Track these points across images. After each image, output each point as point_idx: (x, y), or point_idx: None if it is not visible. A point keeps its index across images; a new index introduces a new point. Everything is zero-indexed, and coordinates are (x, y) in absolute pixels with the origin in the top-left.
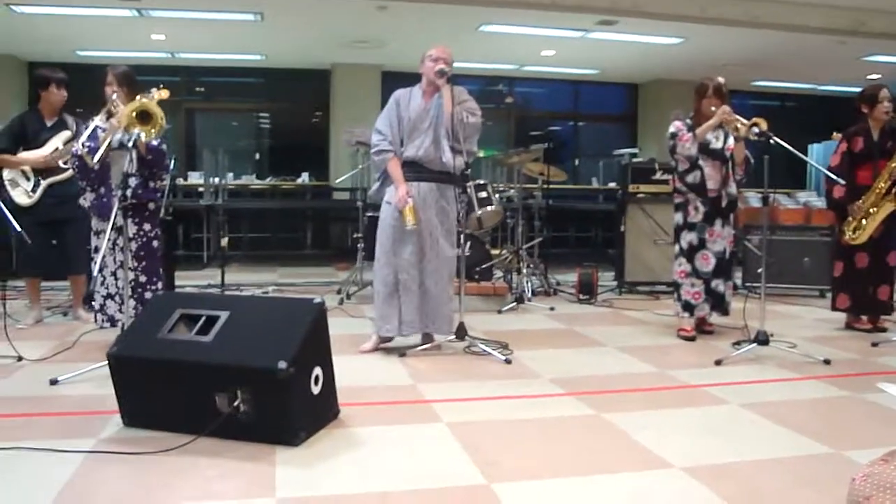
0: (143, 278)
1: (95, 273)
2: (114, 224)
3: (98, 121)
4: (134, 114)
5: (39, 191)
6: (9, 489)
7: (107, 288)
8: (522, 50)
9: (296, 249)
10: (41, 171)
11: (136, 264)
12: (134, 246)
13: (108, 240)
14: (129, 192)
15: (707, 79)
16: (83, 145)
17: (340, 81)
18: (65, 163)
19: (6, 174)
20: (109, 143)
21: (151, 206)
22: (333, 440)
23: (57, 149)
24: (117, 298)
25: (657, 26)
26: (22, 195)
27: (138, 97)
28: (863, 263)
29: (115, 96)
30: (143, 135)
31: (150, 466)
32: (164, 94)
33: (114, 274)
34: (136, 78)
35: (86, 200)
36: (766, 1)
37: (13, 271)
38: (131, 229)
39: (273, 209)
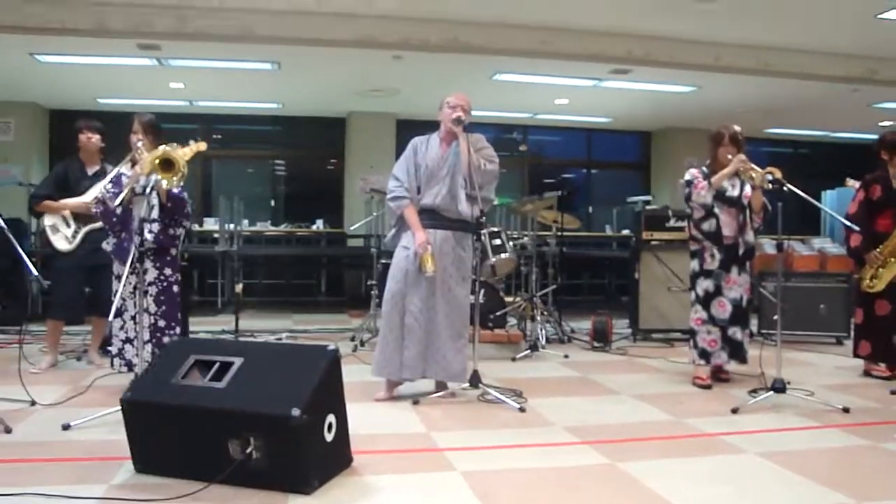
0: (161, 323)
1: (111, 318)
2: (134, 268)
3: (123, 168)
4: (157, 161)
5: (79, 237)
6: None
7: (126, 332)
8: (536, 98)
9: (310, 296)
10: (81, 218)
11: (155, 309)
12: (154, 290)
13: (126, 284)
14: (150, 237)
15: (723, 127)
16: (106, 190)
17: (355, 129)
18: None
19: (48, 220)
20: (132, 189)
21: (173, 251)
22: (346, 489)
23: (96, 197)
24: (136, 343)
25: (670, 75)
26: (62, 241)
27: (163, 146)
28: (883, 311)
29: (139, 143)
30: (164, 182)
31: None
32: (202, 146)
33: (133, 318)
34: (160, 126)
35: (108, 245)
36: (779, 49)
37: (28, 316)
38: (152, 274)
39: (288, 256)
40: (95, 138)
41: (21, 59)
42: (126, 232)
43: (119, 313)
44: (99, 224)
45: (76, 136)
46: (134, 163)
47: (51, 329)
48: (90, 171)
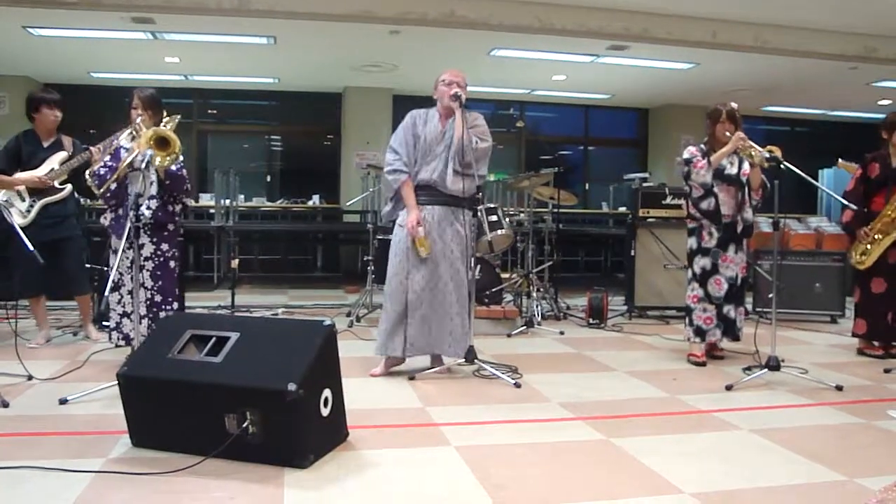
0: (158, 298)
1: (107, 293)
2: (130, 243)
3: (123, 141)
4: (152, 140)
5: (34, 211)
6: None
7: (123, 306)
8: (533, 74)
9: (306, 272)
10: (36, 191)
11: (151, 284)
12: (150, 265)
13: (122, 258)
14: (148, 213)
15: (720, 104)
16: (104, 163)
17: (352, 104)
18: (60, 183)
19: (1, 195)
20: (119, 171)
21: (171, 226)
22: (342, 463)
23: (52, 169)
24: (133, 317)
25: (668, 52)
26: (17, 215)
27: (156, 127)
28: (879, 289)
29: (139, 119)
30: (158, 159)
31: (158, 487)
32: (174, 119)
33: (130, 293)
34: (161, 101)
35: (105, 220)
36: (777, 27)
37: (23, 292)
38: (148, 249)
39: (283, 231)
40: (58, 115)
41: (14, 32)
42: (123, 207)
43: (116, 287)
44: (56, 196)
45: (35, 108)
46: (133, 138)
47: (32, 305)
48: (45, 144)
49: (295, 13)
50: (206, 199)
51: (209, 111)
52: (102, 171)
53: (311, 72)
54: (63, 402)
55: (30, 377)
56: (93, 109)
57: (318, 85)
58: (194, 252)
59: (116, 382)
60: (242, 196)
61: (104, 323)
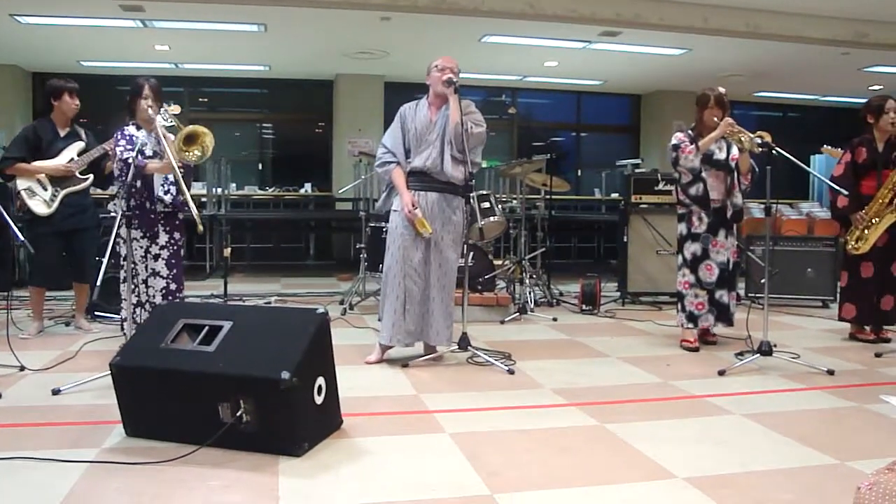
0: (172, 286)
1: (99, 282)
2: (144, 233)
3: (130, 129)
4: (181, 142)
5: (58, 200)
6: (11, 499)
7: (137, 296)
8: (525, 61)
9: (298, 260)
10: (58, 181)
11: (167, 272)
12: (166, 254)
13: (136, 248)
14: (168, 198)
15: (708, 89)
16: (123, 148)
17: (343, 92)
18: (82, 173)
19: (22, 183)
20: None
21: (181, 215)
22: (336, 451)
23: (72, 159)
24: (148, 307)
25: (659, 37)
26: (41, 205)
27: (192, 126)
28: (868, 273)
29: (150, 109)
30: (189, 154)
31: (152, 477)
32: (176, 109)
33: (145, 282)
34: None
35: (117, 207)
36: (768, 12)
37: (16, 282)
38: (163, 238)
39: (276, 219)
40: (78, 103)
41: (1, 20)
42: (140, 196)
43: (125, 278)
44: (78, 186)
45: (55, 96)
46: (139, 127)
47: (33, 296)
48: (62, 133)
49: (285, 0)
50: (197, 188)
51: (200, 99)
52: (126, 155)
53: (303, 59)
54: (56, 392)
55: (22, 368)
56: (83, 98)
57: (309, 72)
58: (187, 241)
59: (109, 372)
60: (234, 184)
61: (96, 313)
